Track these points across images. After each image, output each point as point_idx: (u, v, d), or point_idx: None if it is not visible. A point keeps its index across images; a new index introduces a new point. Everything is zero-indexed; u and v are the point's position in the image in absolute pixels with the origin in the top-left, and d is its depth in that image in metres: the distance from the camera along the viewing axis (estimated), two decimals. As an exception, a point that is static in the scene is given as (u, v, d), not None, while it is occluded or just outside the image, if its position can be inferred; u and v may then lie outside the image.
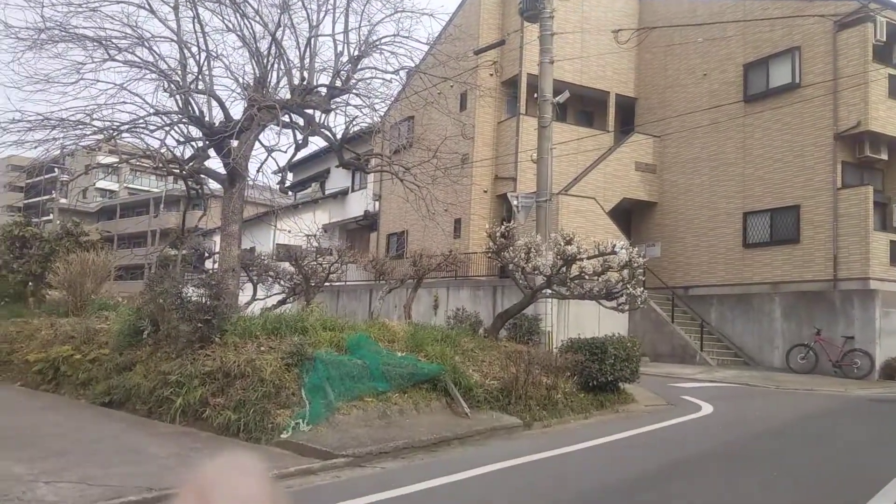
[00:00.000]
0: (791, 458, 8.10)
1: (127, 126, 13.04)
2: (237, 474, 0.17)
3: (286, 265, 17.28)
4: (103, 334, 11.54)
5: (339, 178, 34.96)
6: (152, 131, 13.45)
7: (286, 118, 13.71)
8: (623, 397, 12.01)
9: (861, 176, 20.03)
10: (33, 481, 6.08)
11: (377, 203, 30.13)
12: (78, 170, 17.95)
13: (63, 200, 37.65)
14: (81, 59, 12.41)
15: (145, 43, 12.93)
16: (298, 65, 14.00)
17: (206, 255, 20.39)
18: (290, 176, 23.02)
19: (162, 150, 13.88)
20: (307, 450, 7.83)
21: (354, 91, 14.33)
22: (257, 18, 13.39)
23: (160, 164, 13.90)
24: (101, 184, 59.04)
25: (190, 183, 14.86)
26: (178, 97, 13.43)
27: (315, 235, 17.23)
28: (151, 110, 13.21)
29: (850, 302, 18.59)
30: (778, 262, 20.60)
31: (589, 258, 12.63)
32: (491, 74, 23.46)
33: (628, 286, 12.54)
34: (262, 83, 13.69)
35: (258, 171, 29.02)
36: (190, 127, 13.90)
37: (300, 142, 14.53)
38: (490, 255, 14.19)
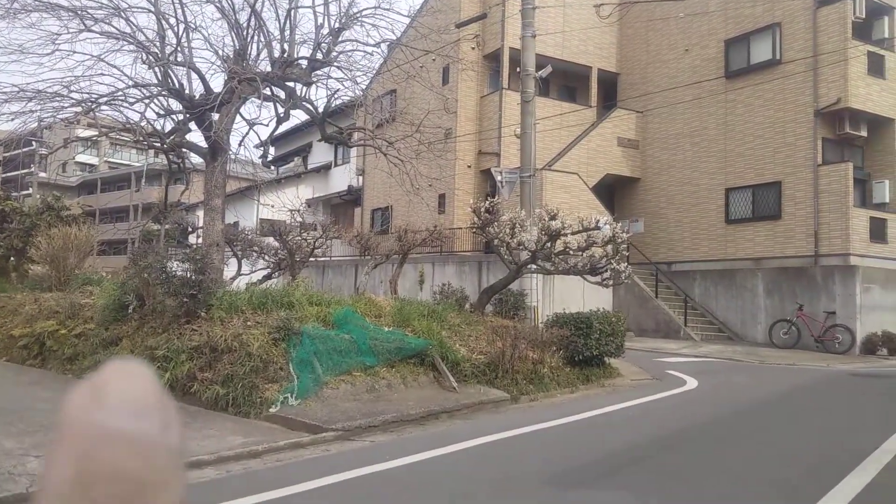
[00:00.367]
0: (775, 432, 8.23)
1: (105, 98, 12.83)
2: (129, 376, 0.19)
3: (270, 240, 17.20)
4: (88, 309, 11.46)
5: (321, 153, 34.70)
6: (132, 104, 13.24)
7: (267, 91, 13.56)
8: (608, 371, 12.12)
9: (841, 152, 20.20)
10: (24, 455, 6.05)
11: (361, 178, 29.97)
12: (56, 143, 17.70)
13: (42, 174, 37.14)
14: (57, 30, 12.17)
15: (122, 13, 12.68)
16: (279, 37, 13.83)
17: (190, 229, 20.24)
18: (272, 150, 22.81)
19: (142, 124, 13.68)
20: (296, 424, 7.85)
21: (336, 64, 14.18)
22: (237, -11, 13.19)
23: (140, 138, 13.72)
24: (80, 157, 58.27)
25: (171, 157, 14.69)
26: (157, 69, 13.22)
27: (299, 210, 17.14)
28: (130, 83, 12.99)
29: (832, 278, 18.82)
30: (760, 238, 20.79)
31: (573, 234, 12.68)
32: (473, 48, 23.30)
33: (612, 262, 12.61)
34: (242, 55, 13.50)
35: (240, 145, 28.66)
36: (170, 100, 13.71)
37: (282, 115, 14.38)
38: (475, 230, 14.21)
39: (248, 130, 18.35)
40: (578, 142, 23.63)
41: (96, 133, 15.60)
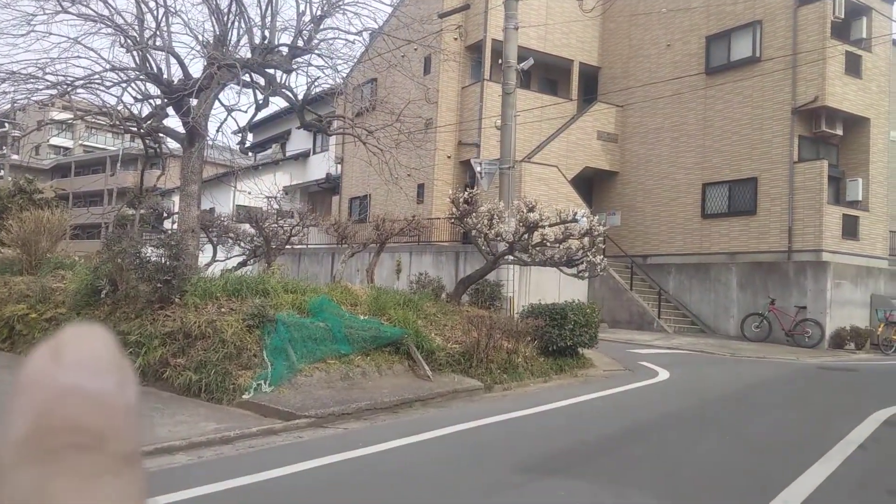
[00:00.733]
0: (745, 423, 8.35)
1: (82, 81, 12.66)
2: (87, 337, 0.19)
3: (246, 227, 17.10)
4: (60, 293, 11.33)
5: (300, 140, 34.52)
6: (108, 87, 13.07)
7: (246, 77, 13.47)
8: (582, 362, 12.21)
9: (817, 150, 20.43)
10: (-10, 439, 5.99)
11: (339, 166, 29.85)
12: (30, 125, 17.46)
13: (15, 156, 36.64)
14: (32, 10, 12.04)
15: (100, -5, 12.52)
16: (259, 23, 13.73)
17: (165, 215, 20.06)
18: (250, 136, 22.66)
19: (119, 108, 13.54)
20: (269, 410, 7.84)
21: (317, 52, 14.11)
22: (218, -27, 13.05)
23: (117, 122, 13.58)
24: (54, 140, 57.48)
25: (148, 141, 14.54)
26: (135, 53, 13.07)
27: (276, 197, 17.04)
28: (107, 66, 12.84)
29: (804, 273, 19.07)
30: (735, 233, 21.00)
31: (551, 225, 12.73)
32: (455, 39, 23.26)
33: (588, 254, 12.68)
34: (222, 41, 13.39)
35: (218, 131, 28.49)
36: (148, 84, 13.57)
37: (261, 102, 14.29)
38: (453, 220, 14.19)
39: (227, 116, 18.17)
40: (558, 134, 23.69)
41: (71, 116, 15.39)
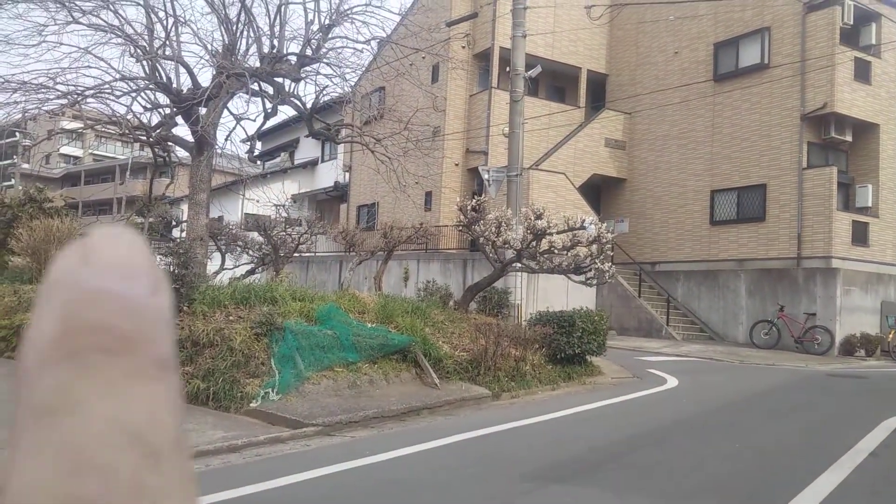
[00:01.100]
0: (754, 430, 8.30)
1: (92, 91, 12.77)
2: (118, 240, 0.19)
3: (255, 235, 17.15)
4: (68, 302, 11.38)
5: (308, 148, 34.62)
6: (118, 97, 13.19)
7: (255, 86, 13.56)
8: (590, 370, 12.18)
9: (826, 156, 20.35)
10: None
11: (347, 174, 29.92)
12: (41, 135, 17.58)
13: (25, 165, 36.88)
14: (43, 21, 12.14)
15: (110, 5, 12.63)
16: (268, 32, 13.82)
17: (174, 223, 20.15)
18: (258, 145, 22.75)
19: (128, 117, 13.63)
20: (277, 419, 7.84)
21: (325, 60, 14.19)
22: (227, -17, 13.15)
23: (126, 131, 13.67)
24: (65, 149, 57.84)
25: (157, 150, 14.64)
26: (144, 63, 13.18)
27: (284, 205, 17.09)
28: (117, 75, 12.95)
29: (813, 280, 18.98)
30: (744, 240, 20.93)
31: (558, 233, 12.72)
32: (463, 47, 23.31)
33: (597, 261, 12.66)
34: (231, 50, 13.48)
35: (226, 140, 28.63)
36: (157, 93, 13.67)
37: (269, 110, 14.38)
38: (461, 228, 14.21)
39: (235, 125, 18.30)
40: (566, 142, 23.69)
41: (81, 125, 15.51)
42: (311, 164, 34.55)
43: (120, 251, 0.20)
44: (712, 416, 9.36)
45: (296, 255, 17.88)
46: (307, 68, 14.27)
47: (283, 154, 37.93)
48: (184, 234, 15.34)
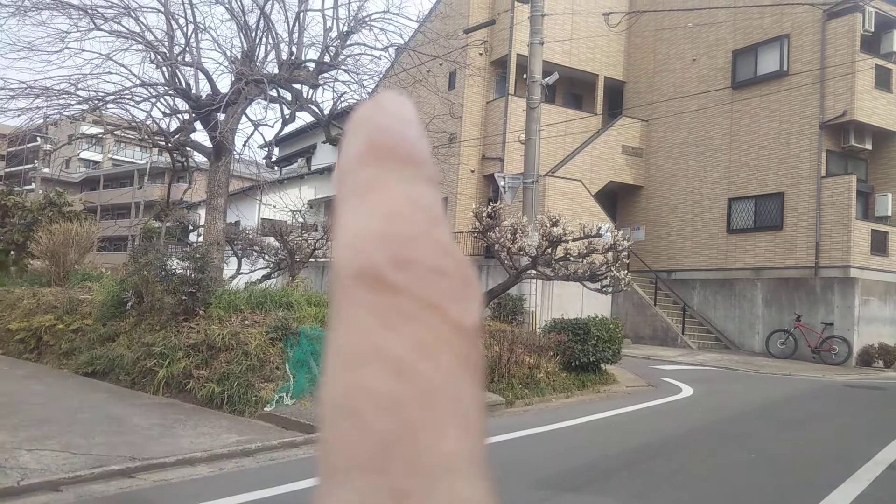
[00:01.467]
0: (770, 440, 8.23)
1: (112, 97, 12.90)
2: (399, 99, 0.24)
3: (271, 240, 17.23)
4: (86, 305, 11.50)
5: (325, 154, 34.76)
6: (138, 103, 13.31)
7: (273, 93, 13.63)
8: (605, 378, 12.13)
9: (845, 165, 20.19)
10: (16, 449, 6.08)
11: (364, 180, 29.99)
12: (61, 139, 17.77)
13: (46, 170, 37.29)
14: (66, 28, 12.28)
15: (132, 13, 12.77)
16: (287, 39, 13.91)
17: (191, 228, 20.28)
18: (276, 151, 22.84)
19: (147, 122, 13.76)
20: (291, 423, 7.87)
21: (343, 67, 14.25)
22: (246, -10, 13.26)
23: (145, 136, 13.80)
24: (84, 154, 58.40)
25: (175, 155, 14.75)
26: (164, 69, 13.29)
27: (300, 211, 17.16)
28: (137, 81, 13.07)
29: (831, 289, 18.80)
30: (761, 249, 20.78)
31: (574, 240, 12.68)
32: (480, 54, 23.35)
33: (612, 269, 12.61)
34: (249, 57, 13.58)
35: (244, 145, 28.77)
36: (176, 99, 13.78)
37: (287, 117, 14.45)
38: (476, 234, 14.18)
39: (253, 131, 18.43)
40: (582, 149, 23.64)
41: (101, 130, 15.67)
42: (328, 171, 34.62)
43: (400, 106, 0.27)
44: (727, 425, 9.29)
45: (312, 260, 17.94)
46: (325, 75, 14.35)
47: (300, 160, 38.10)
48: (201, 239, 15.45)
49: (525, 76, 16.21)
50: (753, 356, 18.99)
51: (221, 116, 13.18)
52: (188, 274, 10.08)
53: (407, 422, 0.19)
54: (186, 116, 14.04)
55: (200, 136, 14.57)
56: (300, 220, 17.04)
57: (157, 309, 10.11)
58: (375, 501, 0.20)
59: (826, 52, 19.70)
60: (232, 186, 15.17)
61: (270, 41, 13.87)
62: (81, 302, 11.71)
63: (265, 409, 8.26)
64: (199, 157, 15.26)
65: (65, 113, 13.22)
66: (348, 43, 14.25)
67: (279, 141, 19.92)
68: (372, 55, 14.41)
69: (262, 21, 13.48)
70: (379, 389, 0.19)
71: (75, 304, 11.67)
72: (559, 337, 11.62)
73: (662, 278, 22.76)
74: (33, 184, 44.19)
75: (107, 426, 7.25)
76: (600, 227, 12.88)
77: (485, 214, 13.40)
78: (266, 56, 14.06)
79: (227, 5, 13.35)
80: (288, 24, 13.86)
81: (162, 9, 13.05)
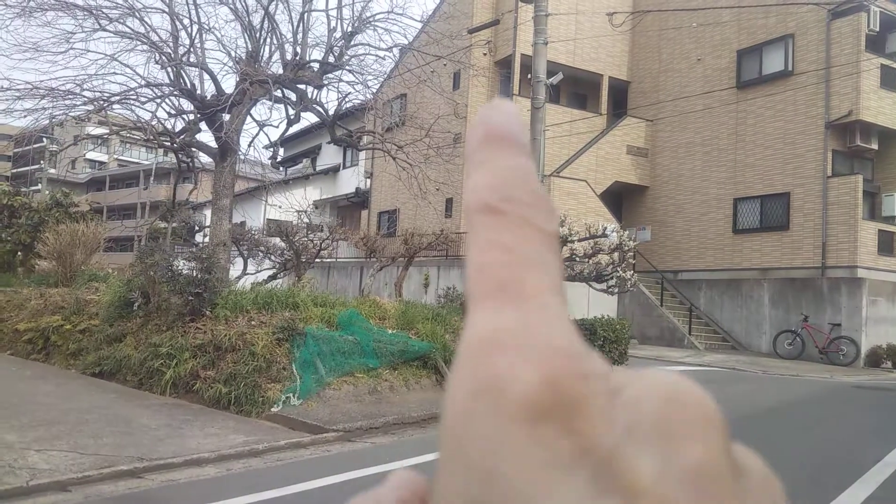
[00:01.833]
0: (777, 442, 8.20)
1: (118, 97, 12.92)
2: (507, 104, 0.32)
3: (277, 240, 17.25)
4: (93, 305, 11.52)
5: (330, 155, 34.79)
6: (143, 103, 13.33)
7: (278, 93, 13.64)
8: (611, 379, 12.10)
9: (851, 165, 20.14)
10: (25, 449, 6.09)
11: (369, 180, 30.04)
12: (67, 140, 17.82)
13: (52, 170, 37.35)
14: (71, 29, 12.30)
15: (136, 13, 12.79)
16: (291, 39, 13.92)
17: (197, 228, 20.32)
18: (281, 151, 22.90)
19: (153, 123, 13.77)
20: (297, 424, 7.87)
21: (347, 67, 14.26)
22: (251, -9, 13.28)
23: (151, 137, 13.81)
24: (90, 155, 58.53)
25: (181, 156, 14.77)
26: (169, 69, 13.31)
27: (306, 211, 17.17)
28: (142, 82, 13.10)
29: (838, 289, 18.75)
30: (767, 249, 20.73)
31: (580, 240, 12.69)
32: (484, 54, 23.35)
33: (618, 269, 12.61)
34: (254, 57, 13.59)
35: (249, 146, 28.84)
36: (181, 100, 13.81)
37: (292, 117, 14.46)
38: (481, 235, 14.18)
39: (258, 132, 18.46)
40: (587, 149, 23.63)
41: (107, 131, 15.70)
42: (333, 171, 34.71)
43: (507, 106, 0.32)
44: (734, 426, 9.16)
45: (317, 260, 17.96)
46: (330, 75, 14.36)
47: (305, 160, 38.13)
48: (207, 240, 15.46)
49: (529, 76, 16.20)
50: (760, 357, 18.94)
51: (226, 117, 13.20)
52: (194, 274, 10.09)
53: (512, 271, 0.25)
54: (191, 117, 14.06)
55: (205, 136, 14.60)
56: (305, 220, 17.03)
57: (164, 309, 10.12)
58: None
59: (831, 52, 19.65)
60: (237, 187, 15.21)
61: (275, 41, 13.90)
62: (88, 302, 11.73)
63: (272, 409, 8.26)
64: (204, 158, 15.27)
65: (70, 113, 13.26)
66: (352, 43, 14.26)
67: (284, 141, 19.95)
68: (376, 55, 14.40)
69: (266, 21, 13.51)
70: (497, 259, 0.25)
71: (82, 305, 11.70)
72: (565, 337, 11.61)
73: (669, 279, 22.73)
74: (39, 184, 44.30)
75: (115, 427, 7.25)
76: (606, 228, 12.89)
77: (490, 215, 13.39)
78: (270, 56, 14.09)
79: (231, 6, 13.38)
80: (292, 25, 13.89)
81: (166, 9, 13.08)
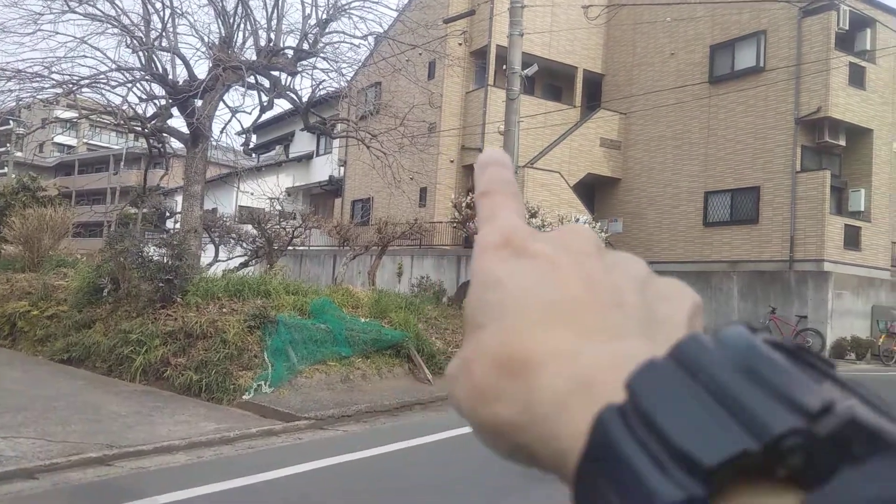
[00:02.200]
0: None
1: (87, 81, 12.74)
2: (499, 152, 0.47)
3: (249, 228, 17.13)
4: (62, 291, 11.37)
5: (303, 142, 34.56)
6: (114, 87, 13.16)
7: (251, 79, 13.53)
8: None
9: (820, 160, 20.44)
10: (-9, 435, 6.01)
11: (342, 169, 29.90)
12: (35, 123, 17.52)
13: (19, 154, 36.69)
14: (39, 10, 12.10)
15: (107, -5, 12.60)
16: (265, 26, 13.81)
17: (168, 214, 20.10)
18: (253, 138, 22.69)
19: (123, 107, 13.59)
20: (269, 411, 7.86)
21: (322, 55, 14.19)
22: (225, -25, 13.13)
23: (121, 121, 13.64)
24: (59, 139, 57.57)
25: (152, 141, 14.61)
26: (140, 54, 13.15)
27: (278, 199, 17.07)
28: (113, 66, 12.92)
29: (805, 282, 19.06)
30: (737, 242, 21.00)
31: (553, 231, 12.77)
32: (460, 44, 23.30)
33: (591, 260, 12.70)
34: (227, 43, 13.47)
35: (222, 132, 28.57)
36: (153, 84, 13.66)
37: (265, 104, 14.35)
38: (455, 224, 14.25)
39: (231, 118, 18.32)
40: (561, 141, 23.72)
41: (76, 115, 15.47)
42: (307, 158, 34.49)
43: (500, 155, 0.45)
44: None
45: (290, 248, 17.87)
46: (304, 62, 14.27)
47: (278, 147, 37.84)
48: (178, 226, 15.32)
49: (505, 67, 16.22)
50: (727, 348, 19.17)
51: (199, 103, 13.07)
52: (165, 261, 10.00)
53: (493, 211, 0.40)
54: (163, 102, 13.90)
55: (177, 121, 14.45)
56: (278, 207, 16.93)
57: (134, 296, 10.02)
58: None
59: (802, 49, 19.90)
60: (209, 173, 15.06)
61: (248, 27, 13.78)
62: (56, 288, 11.58)
63: (243, 397, 8.23)
64: (175, 144, 15.14)
65: (38, 96, 13.05)
66: (327, 31, 14.18)
67: (257, 128, 19.79)
68: (351, 43, 14.37)
69: (240, 7, 13.39)
70: (487, 207, 0.40)
71: (50, 291, 11.54)
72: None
73: (639, 270, 22.87)
74: (6, 168, 43.51)
75: (83, 414, 7.18)
76: (578, 219, 12.97)
77: (464, 205, 13.44)
78: (244, 42, 13.98)
79: (205, -10, 13.22)
80: (266, 11, 13.77)
81: (138, -8, 12.90)
